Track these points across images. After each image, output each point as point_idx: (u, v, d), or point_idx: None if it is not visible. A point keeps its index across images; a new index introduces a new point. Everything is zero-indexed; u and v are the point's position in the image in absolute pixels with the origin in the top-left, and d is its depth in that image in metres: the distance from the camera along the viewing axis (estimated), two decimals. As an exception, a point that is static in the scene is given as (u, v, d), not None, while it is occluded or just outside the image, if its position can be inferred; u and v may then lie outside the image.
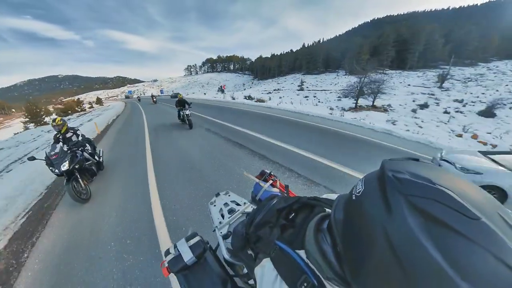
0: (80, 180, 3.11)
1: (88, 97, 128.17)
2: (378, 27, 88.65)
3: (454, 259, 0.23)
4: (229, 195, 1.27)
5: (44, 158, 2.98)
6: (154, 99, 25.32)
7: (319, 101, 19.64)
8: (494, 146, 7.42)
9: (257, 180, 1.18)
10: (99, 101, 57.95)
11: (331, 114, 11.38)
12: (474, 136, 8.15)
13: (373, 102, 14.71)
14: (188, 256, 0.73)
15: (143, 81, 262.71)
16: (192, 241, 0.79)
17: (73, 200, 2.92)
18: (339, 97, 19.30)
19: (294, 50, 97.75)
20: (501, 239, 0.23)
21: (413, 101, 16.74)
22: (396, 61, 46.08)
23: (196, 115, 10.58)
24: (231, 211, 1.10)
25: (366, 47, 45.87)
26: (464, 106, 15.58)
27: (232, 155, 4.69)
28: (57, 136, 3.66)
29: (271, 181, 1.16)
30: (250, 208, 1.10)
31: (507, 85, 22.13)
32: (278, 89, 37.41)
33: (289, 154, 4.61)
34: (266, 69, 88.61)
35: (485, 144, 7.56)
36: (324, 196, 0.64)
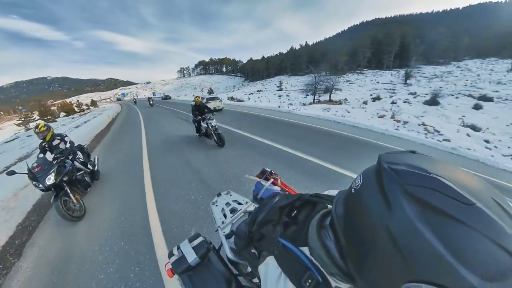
0: (71, 194, 2.66)
1: (79, 99, 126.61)
2: (367, 29, 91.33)
3: (452, 245, 0.23)
4: (231, 195, 1.27)
5: (26, 172, 2.53)
6: (151, 102, 24.24)
7: (288, 99, 20.78)
8: (406, 122, 8.82)
9: (258, 179, 1.18)
10: (93, 103, 58.17)
11: (278, 107, 12.81)
12: (392, 117, 9.89)
13: (330, 97, 15.93)
14: (191, 257, 0.73)
15: (136, 83, 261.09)
16: (195, 242, 0.79)
17: (63, 219, 2.44)
18: (307, 94, 20.54)
19: (284, 52, 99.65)
20: (496, 223, 0.24)
21: (371, 95, 18.04)
22: (374, 62, 48.10)
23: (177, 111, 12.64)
24: (233, 211, 1.10)
25: (344, 49, 47.71)
26: (415, 97, 16.95)
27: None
28: (43, 144, 3.14)
29: (272, 180, 1.16)
30: (252, 207, 1.10)
31: (467, 80, 23.90)
32: (261, 90, 38.61)
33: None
34: (256, 71, 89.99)
35: (398, 121, 9.03)
36: (326, 192, 0.64)
